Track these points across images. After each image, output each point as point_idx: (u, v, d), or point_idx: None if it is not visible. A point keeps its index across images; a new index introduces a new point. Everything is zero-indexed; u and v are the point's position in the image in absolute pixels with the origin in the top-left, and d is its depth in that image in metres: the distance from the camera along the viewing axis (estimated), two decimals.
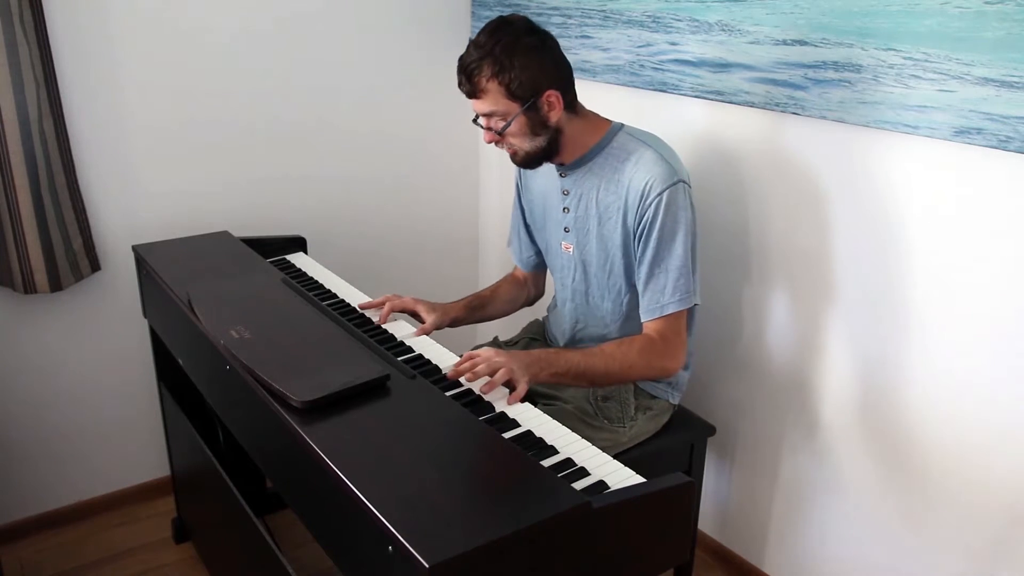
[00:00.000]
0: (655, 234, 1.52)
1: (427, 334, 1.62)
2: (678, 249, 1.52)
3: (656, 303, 1.54)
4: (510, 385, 1.38)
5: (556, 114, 1.53)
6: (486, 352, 1.42)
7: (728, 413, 1.98)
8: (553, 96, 1.51)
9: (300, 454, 1.16)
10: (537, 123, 1.52)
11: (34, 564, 2.07)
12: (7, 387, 2.04)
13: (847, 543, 1.78)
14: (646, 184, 1.51)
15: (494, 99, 1.49)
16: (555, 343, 1.83)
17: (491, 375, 1.38)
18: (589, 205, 1.62)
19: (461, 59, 1.50)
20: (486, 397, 1.35)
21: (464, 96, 1.53)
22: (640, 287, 1.57)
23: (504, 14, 1.53)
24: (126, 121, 2.01)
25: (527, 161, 1.58)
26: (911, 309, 1.56)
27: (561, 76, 1.53)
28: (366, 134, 2.38)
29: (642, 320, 1.57)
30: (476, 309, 1.82)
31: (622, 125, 1.61)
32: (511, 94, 1.48)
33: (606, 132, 1.60)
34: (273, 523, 2.07)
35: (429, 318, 1.67)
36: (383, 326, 1.62)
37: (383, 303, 1.68)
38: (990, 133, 1.35)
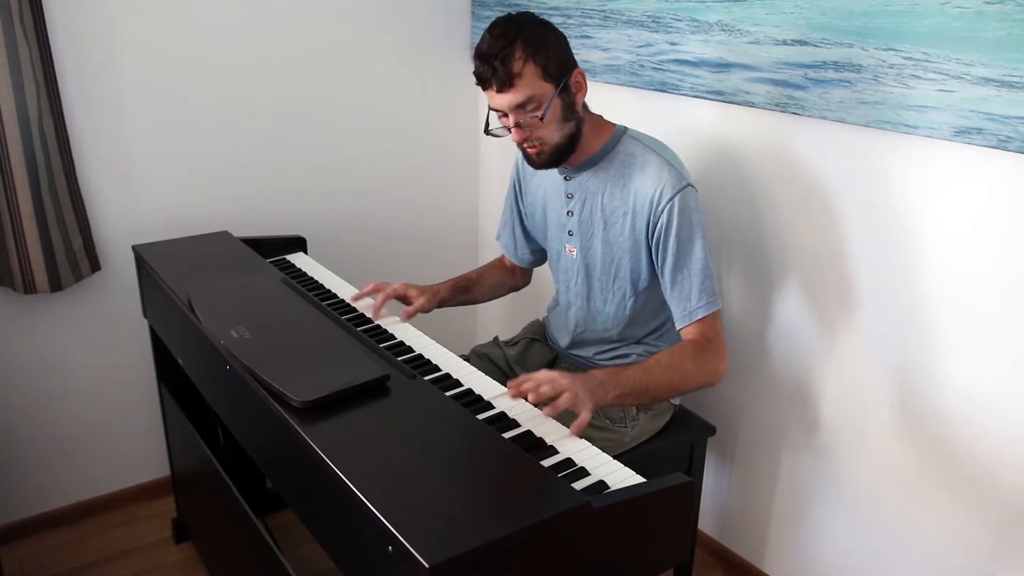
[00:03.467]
0: (672, 241, 1.50)
1: (412, 316, 1.62)
2: (698, 253, 1.51)
3: (685, 310, 1.53)
4: (572, 411, 1.31)
5: (582, 96, 1.51)
6: (549, 374, 1.35)
7: (728, 413, 1.98)
8: (580, 75, 1.50)
9: (300, 454, 1.16)
10: (568, 107, 1.49)
11: (34, 564, 2.07)
12: (7, 387, 2.04)
13: (847, 543, 1.78)
14: (656, 191, 1.50)
15: (530, 83, 1.43)
16: (556, 344, 1.83)
17: (554, 397, 1.31)
18: (594, 209, 1.61)
19: (485, 51, 1.43)
20: (480, 392, 1.34)
21: (489, 92, 1.46)
22: (667, 296, 1.56)
23: (505, 13, 1.52)
24: (126, 121, 2.01)
25: (554, 156, 1.52)
26: (910, 309, 1.56)
27: (575, 59, 1.52)
28: (366, 134, 2.38)
29: (677, 328, 1.56)
30: (462, 291, 1.82)
31: (626, 128, 1.60)
32: (547, 75, 1.44)
33: (611, 135, 1.58)
34: (273, 523, 2.07)
35: (417, 301, 1.68)
36: (383, 326, 1.62)
37: (373, 291, 1.68)
38: (990, 133, 1.35)
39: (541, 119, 1.46)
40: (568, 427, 1.28)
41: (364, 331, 1.55)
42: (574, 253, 1.68)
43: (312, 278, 1.88)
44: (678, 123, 1.92)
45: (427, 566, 0.88)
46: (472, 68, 1.49)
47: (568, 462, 1.19)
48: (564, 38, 1.51)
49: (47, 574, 2.04)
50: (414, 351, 1.51)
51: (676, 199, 1.49)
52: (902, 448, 1.63)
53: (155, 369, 2.00)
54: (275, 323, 1.48)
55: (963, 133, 1.39)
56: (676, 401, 1.72)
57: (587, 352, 1.75)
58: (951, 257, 1.48)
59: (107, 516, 2.24)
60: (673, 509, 1.11)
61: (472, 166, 2.63)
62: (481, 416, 1.28)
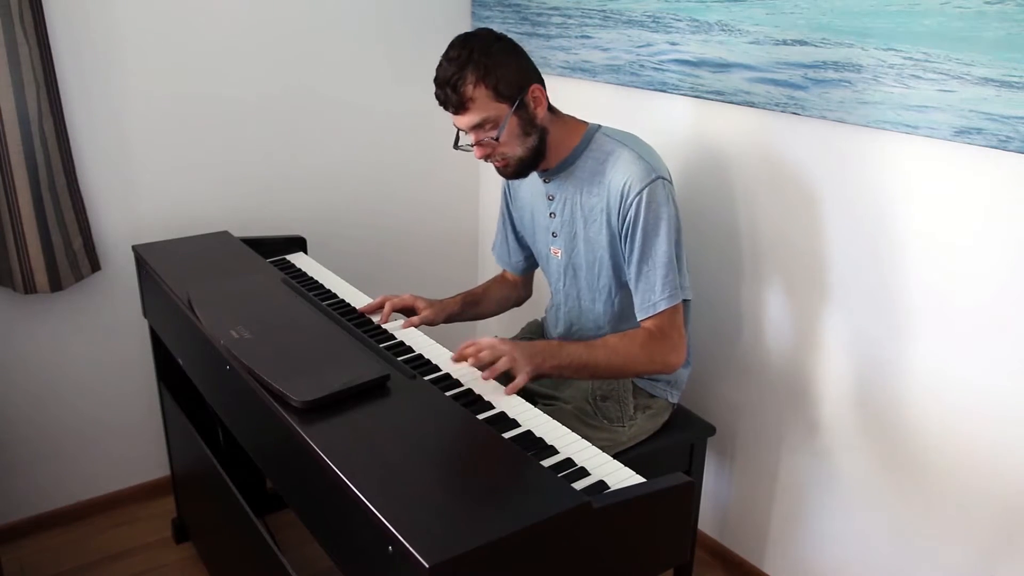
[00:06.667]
0: (639, 233, 1.52)
1: (415, 326, 1.63)
2: (662, 246, 1.52)
3: (648, 301, 1.54)
4: (510, 375, 1.39)
5: (542, 109, 1.53)
6: (490, 340, 1.44)
7: (728, 413, 1.98)
8: (537, 90, 1.52)
9: (300, 454, 1.16)
10: (527, 122, 1.51)
11: (34, 564, 2.07)
12: (7, 387, 2.04)
13: (847, 543, 1.78)
14: (625, 184, 1.51)
15: (483, 105, 1.47)
16: None
17: (493, 362, 1.39)
18: (574, 209, 1.62)
19: (439, 76, 1.48)
20: (480, 391, 1.35)
21: (450, 114, 1.50)
22: (632, 287, 1.58)
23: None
24: (126, 121, 2.01)
25: (519, 169, 1.56)
26: (911, 309, 1.56)
27: (537, 72, 1.54)
28: (366, 135, 2.38)
29: (638, 319, 1.58)
30: (470, 305, 1.83)
31: (599, 126, 1.61)
32: (499, 95, 1.47)
33: (584, 134, 1.59)
34: (273, 523, 2.07)
35: (423, 313, 1.68)
36: (383, 326, 1.62)
37: (382, 304, 1.68)
38: (990, 133, 1.35)
39: (496, 139, 1.50)
40: (569, 429, 1.28)
41: (364, 331, 1.55)
42: (559, 254, 1.69)
43: (312, 278, 1.88)
44: (678, 123, 1.92)
45: (427, 566, 0.88)
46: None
47: (568, 462, 1.19)
48: (520, 55, 1.52)
49: (47, 574, 2.04)
50: (414, 351, 1.51)
51: (644, 192, 1.50)
52: (901, 448, 1.63)
53: (155, 369, 2.00)
54: (275, 323, 1.48)
55: (963, 133, 1.39)
56: (674, 400, 1.72)
57: None
58: (952, 257, 1.48)
59: (107, 516, 2.24)
60: (673, 509, 1.11)
61: (473, 166, 2.63)
62: (481, 416, 1.28)
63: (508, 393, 1.35)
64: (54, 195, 1.89)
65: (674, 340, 1.55)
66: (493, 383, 1.40)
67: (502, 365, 1.39)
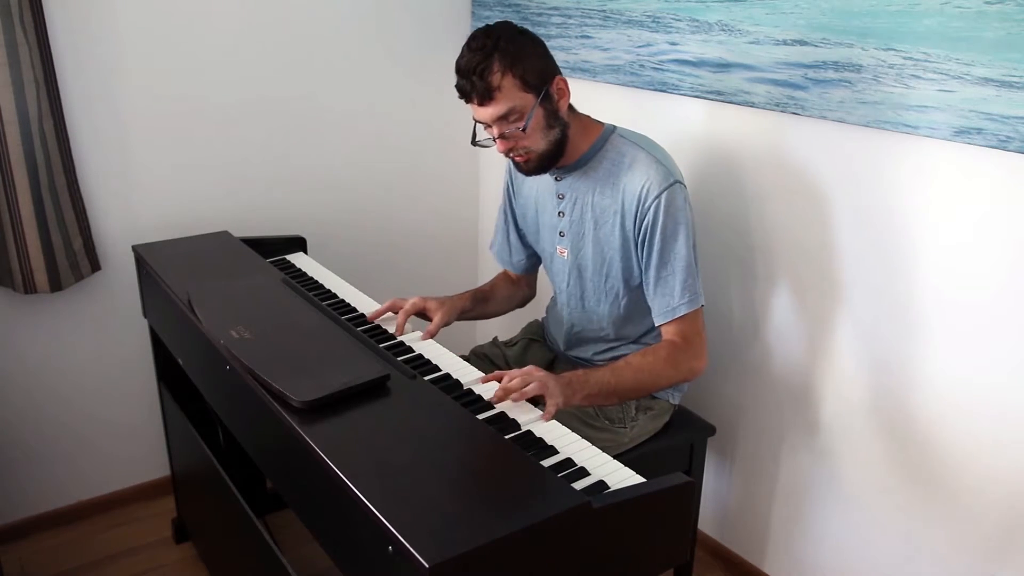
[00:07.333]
0: (658, 237, 1.51)
1: (434, 335, 1.60)
2: (681, 250, 1.52)
3: (668, 306, 1.54)
4: (540, 400, 1.35)
5: (565, 102, 1.52)
6: (525, 368, 1.39)
7: (728, 413, 1.98)
8: (561, 81, 1.51)
9: (300, 454, 1.16)
10: (551, 115, 1.49)
11: (34, 564, 2.07)
12: (7, 387, 2.03)
13: (847, 543, 1.78)
14: (643, 188, 1.51)
15: (510, 95, 1.44)
16: (554, 344, 1.83)
17: (523, 387, 1.34)
18: (584, 209, 1.61)
19: (464, 65, 1.44)
20: (480, 392, 1.35)
21: (471, 105, 1.47)
22: (649, 292, 1.57)
23: (505, 15, 1.53)
24: (126, 121, 2.01)
25: (541, 164, 1.53)
26: (910, 309, 1.56)
27: (557, 66, 1.53)
28: (366, 135, 2.38)
29: (656, 324, 1.57)
30: (479, 303, 1.81)
31: (615, 127, 1.60)
32: (526, 85, 1.45)
33: (599, 135, 1.59)
34: (273, 523, 2.07)
35: (437, 315, 1.65)
36: (382, 326, 1.62)
37: (391, 308, 1.65)
38: (990, 133, 1.35)
39: (523, 130, 1.47)
40: (569, 430, 1.28)
41: (364, 331, 1.55)
42: (565, 254, 1.68)
43: (312, 278, 1.89)
44: (678, 123, 1.92)
45: (427, 566, 0.88)
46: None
47: (568, 462, 1.19)
48: (543, 46, 1.51)
49: (47, 574, 2.04)
50: (414, 351, 1.51)
51: (663, 196, 1.49)
52: (901, 448, 1.63)
53: (155, 369, 2.00)
54: (275, 323, 1.48)
55: (963, 133, 1.39)
56: (675, 401, 1.72)
57: (585, 352, 1.75)
58: (952, 257, 1.48)
59: (107, 516, 2.24)
60: (673, 509, 1.11)
61: (473, 166, 2.63)
62: (481, 416, 1.28)
63: (546, 420, 1.31)
64: (54, 195, 1.89)
65: (696, 345, 1.54)
66: (493, 386, 1.39)
67: (531, 390, 1.33)
